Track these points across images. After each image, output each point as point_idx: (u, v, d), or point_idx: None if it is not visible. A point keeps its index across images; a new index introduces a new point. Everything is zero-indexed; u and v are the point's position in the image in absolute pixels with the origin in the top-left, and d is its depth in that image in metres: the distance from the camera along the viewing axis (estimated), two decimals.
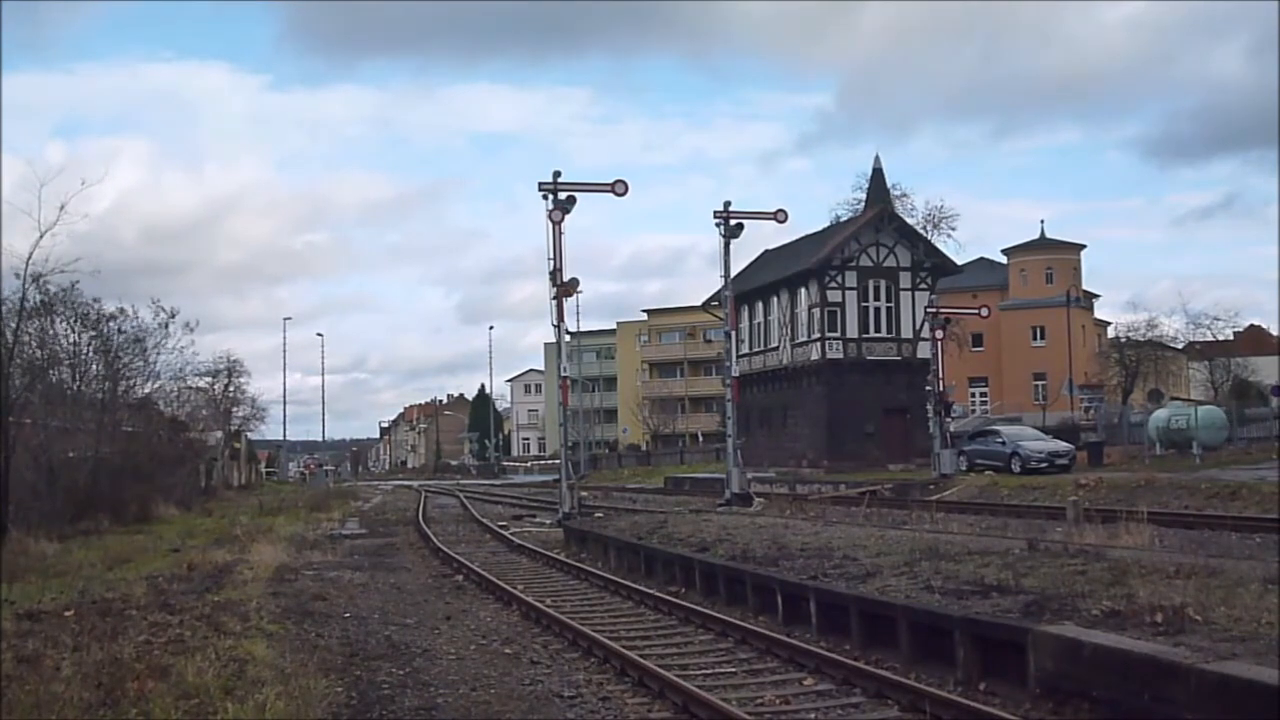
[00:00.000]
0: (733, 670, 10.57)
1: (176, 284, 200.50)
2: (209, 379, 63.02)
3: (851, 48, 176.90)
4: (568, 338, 31.44)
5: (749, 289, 52.26)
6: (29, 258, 29.23)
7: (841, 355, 49.24)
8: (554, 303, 29.83)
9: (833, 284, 49.50)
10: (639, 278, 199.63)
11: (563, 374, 31.40)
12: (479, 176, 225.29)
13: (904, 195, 63.16)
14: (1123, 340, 70.36)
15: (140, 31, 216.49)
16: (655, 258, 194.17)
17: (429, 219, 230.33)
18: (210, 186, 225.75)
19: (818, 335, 49.58)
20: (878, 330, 49.77)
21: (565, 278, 30.21)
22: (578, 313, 75.61)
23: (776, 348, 53.41)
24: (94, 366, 37.59)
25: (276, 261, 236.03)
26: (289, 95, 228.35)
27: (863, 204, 55.04)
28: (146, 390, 44.31)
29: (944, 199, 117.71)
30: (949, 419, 41.25)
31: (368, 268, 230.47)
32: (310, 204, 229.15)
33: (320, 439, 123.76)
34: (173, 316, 40.97)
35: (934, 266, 50.88)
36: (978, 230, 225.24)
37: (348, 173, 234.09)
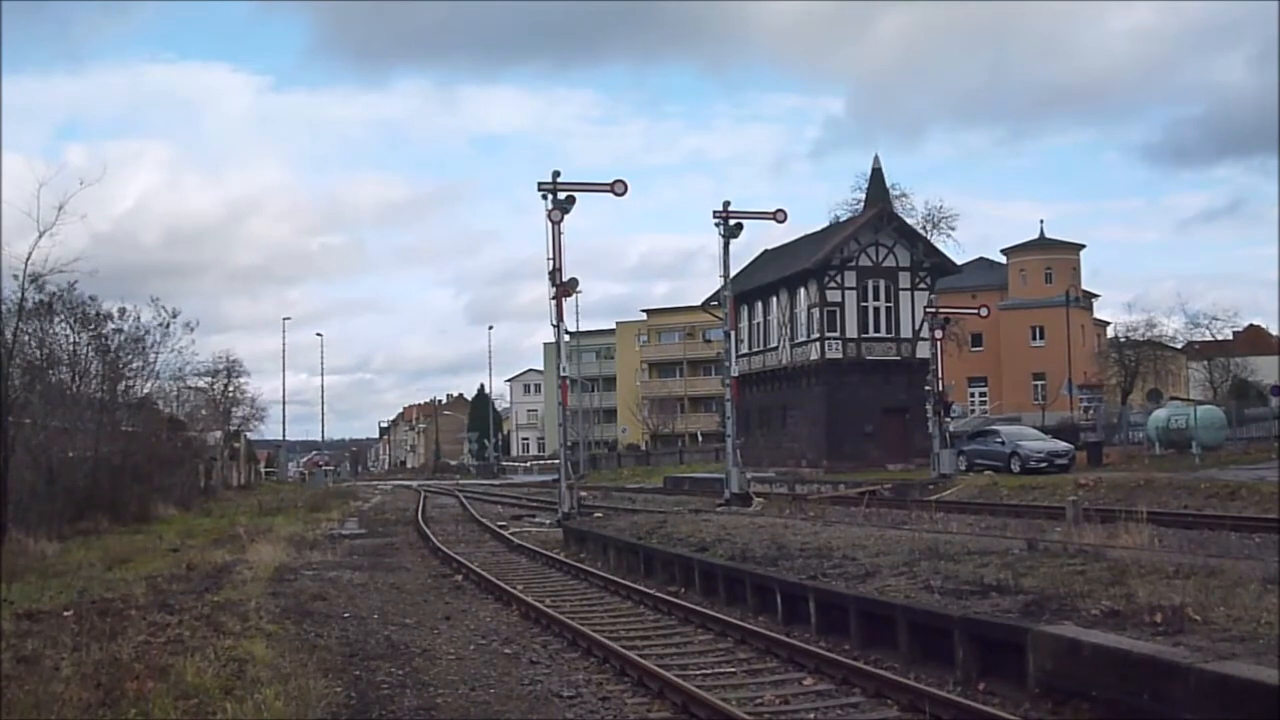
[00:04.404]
0: (732, 670, 10.57)
1: (191, 285, 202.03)
2: (208, 379, 63.13)
3: (864, 55, 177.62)
4: (567, 338, 31.44)
5: (748, 289, 52.27)
6: (28, 258, 29.27)
7: (841, 355, 49.23)
8: (553, 303, 29.87)
9: (832, 284, 49.50)
10: (646, 279, 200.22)
11: (562, 374, 31.41)
12: (492, 179, 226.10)
13: (903, 195, 63.22)
14: (1122, 340, 70.44)
15: (152, 34, 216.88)
16: (662, 259, 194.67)
17: (441, 221, 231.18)
18: (227, 190, 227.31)
19: (817, 335, 49.58)
20: (877, 330, 49.77)
21: (570, 278, 30.29)
22: (577, 313, 75.68)
23: (776, 348, 53.41)
24: (93, 366, 37.60)
25: (291, 263, 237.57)
26: (306, 99, 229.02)
27: (862, 204, 55.05)
28: (146, 390, 44.40)
29: (944, 200, 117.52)
30: (948, 419, 41.23)
31: (380, 269, 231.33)
32: (326, 207, 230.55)
33: (319, 439, 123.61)
34: (174, 316, 41.08)
35: (933, 266, 50.89)
36: (978, 231, 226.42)
37: (364, 175, 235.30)
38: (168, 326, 40.79)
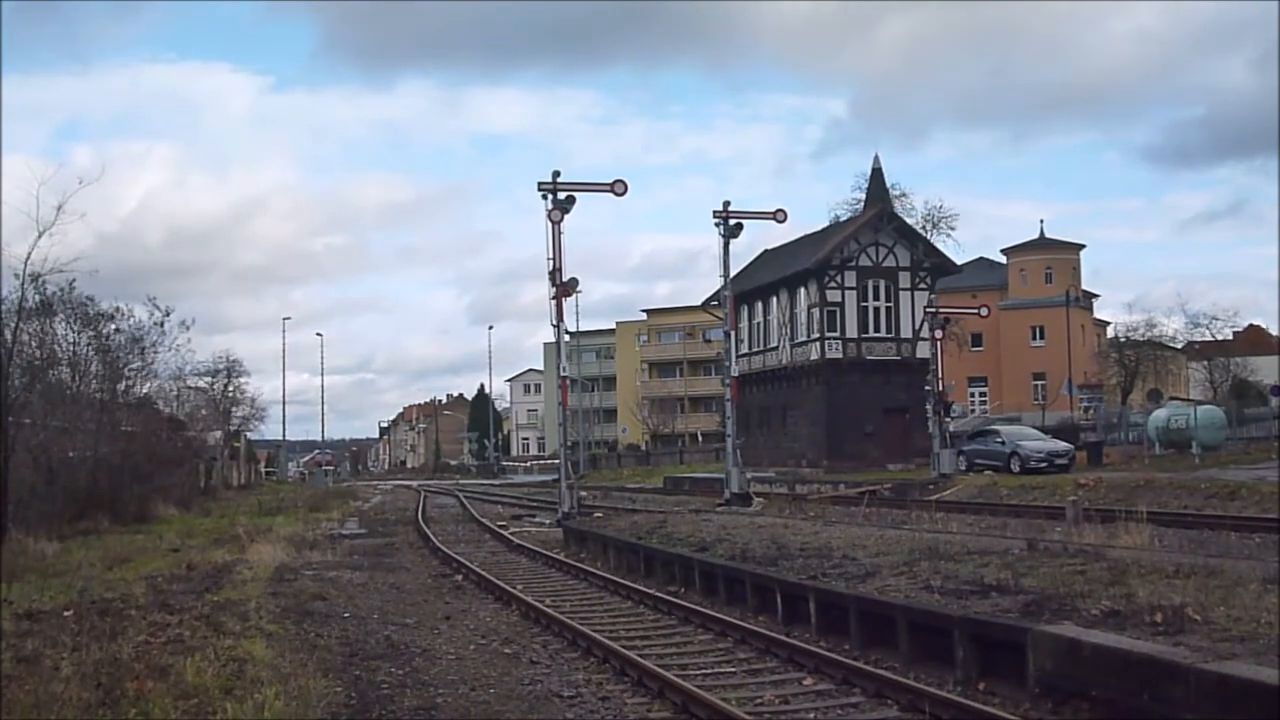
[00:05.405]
0: (732, 670, 10.57)
1: (196, 286, 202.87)
2: (208, 379, 63.17)
3: (867, 57, 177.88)
4: (567, 338, 31.42)
5: (748, 289, 52.27)
6: (28, 257, 29.27)
7: (841, 355, 49.24)
8: (553, 303, 29.84)
9: (832, 284, 49.49)
10: (648, 279, 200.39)
11: (562, 374, 31.38)
12: (495, 179, 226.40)
13: (903, 195, 63.29)
14: (1122, 340, 70.49)
15: (153, 35, 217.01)
16: (664, 259, 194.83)
17: (444, 221, 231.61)
18: (231, 190, 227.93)
19: (817, 335, 49.59)
20: (877, 330, 49.77)
21: (571, 278, 30.27)
22: (577, 313, 75.71)
23: (776, 347, 53.41)
24: (93, 366, 37.60)
25: (295, 264, 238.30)
26: (307, 99, 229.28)
27: (862, 204, 55.06)
28: (146, 390, 44.41)
29: (944, 200, 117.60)
30: (948, 419, 41.23)
31: (383, 269, 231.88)
32: (330, 207, 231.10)
33: (320, 439, 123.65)
34: (168, 315, 41.06)
35: (933, 266, 50.89)
36: (978, 231, 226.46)
37: (368, 176, 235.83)
38: (162, 325, 40.79)
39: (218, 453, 65.77)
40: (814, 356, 49.76)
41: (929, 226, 62.82)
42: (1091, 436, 48.03)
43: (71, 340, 36.02)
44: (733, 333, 36.86)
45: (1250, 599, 9.24)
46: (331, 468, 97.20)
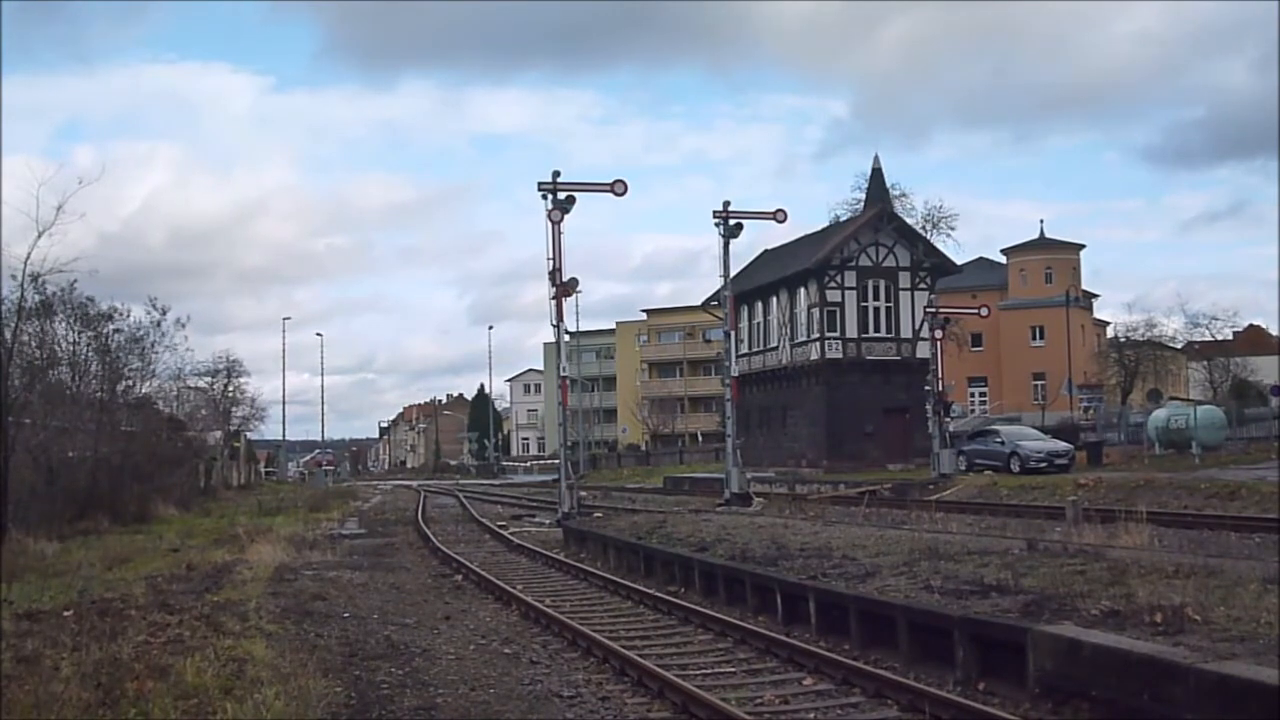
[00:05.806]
0: (732, 670, 10.57)
1: (199, 286, 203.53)
2: (208, 379, 63.20)
3: (869, 58, 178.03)
4: (567, 338, 31.41)
5: (748, 289, 52.27)
6: (27, 257, 29.30)
7: (841, 355, 49.24)
8: (553, 303, 29.83)
9: (832, 284, 49.49)
10: (649, 279, 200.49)
11: (562, 374, 31.38)
12: (496, 179, 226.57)
13: (903, 195, 63.28)
14: (1122, 340, 70.48)
15: (155, 35, 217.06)
16: (666, 259, 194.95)
17: (446, 221, 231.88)
18: (232, 190, 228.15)
19: (817, 335, 49.58)
20: (877, 330, 49.76)
21: (570, 278, 30.26)
22: (577, 313, 75.73)
23: (776, 347, 53.40)
24: (93, 366, 37.63)
25: (297, 264, 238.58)
26: (308, 100, 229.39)
27: (862, 204, 55.05)
28: (145, 390, 44.44)
29: (944, 200, 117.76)
30: (948, 419, 41.22)
31: (385, 270, 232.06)
32: (332, 208, 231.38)
33: (320, 439, 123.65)
34: (163, 314, 41.10)
35: (933, 266, 50.89)
36: (978, 231, 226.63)
37: (369, 176, 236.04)
38: (158, 324, 40.84)
39: (218, 453, 65.78)
40: (814, 356, 49.76)
41: (929, 226, 62.88)
42: (1091, 436, 48.03)
43: (71, 340, 36.10)
44: (733, 333, 36.85)
45: (1250, 599, 9.23)
46: (331, 468, 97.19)
